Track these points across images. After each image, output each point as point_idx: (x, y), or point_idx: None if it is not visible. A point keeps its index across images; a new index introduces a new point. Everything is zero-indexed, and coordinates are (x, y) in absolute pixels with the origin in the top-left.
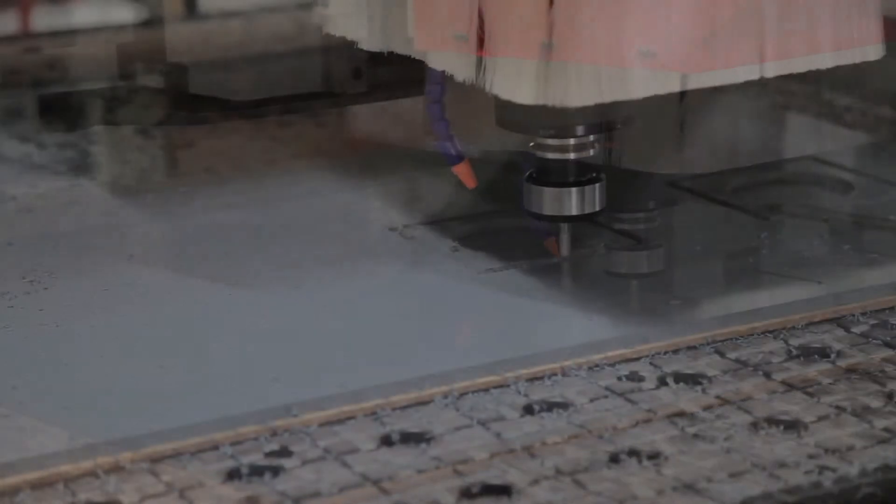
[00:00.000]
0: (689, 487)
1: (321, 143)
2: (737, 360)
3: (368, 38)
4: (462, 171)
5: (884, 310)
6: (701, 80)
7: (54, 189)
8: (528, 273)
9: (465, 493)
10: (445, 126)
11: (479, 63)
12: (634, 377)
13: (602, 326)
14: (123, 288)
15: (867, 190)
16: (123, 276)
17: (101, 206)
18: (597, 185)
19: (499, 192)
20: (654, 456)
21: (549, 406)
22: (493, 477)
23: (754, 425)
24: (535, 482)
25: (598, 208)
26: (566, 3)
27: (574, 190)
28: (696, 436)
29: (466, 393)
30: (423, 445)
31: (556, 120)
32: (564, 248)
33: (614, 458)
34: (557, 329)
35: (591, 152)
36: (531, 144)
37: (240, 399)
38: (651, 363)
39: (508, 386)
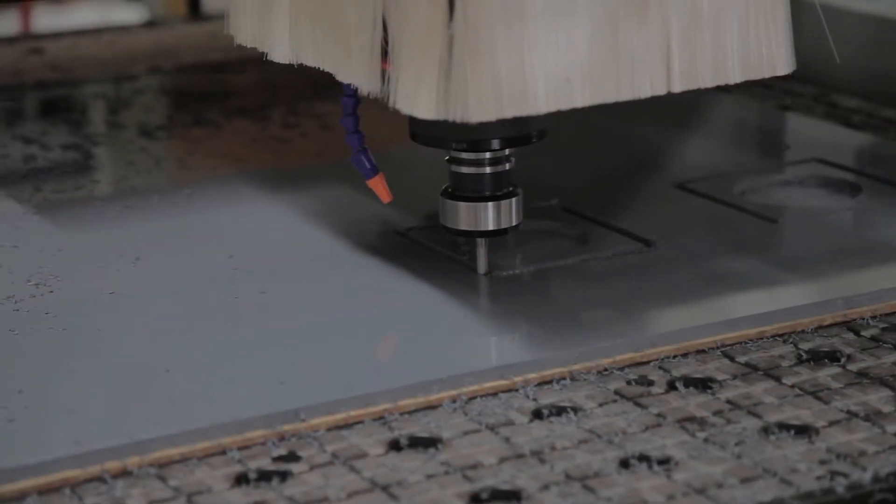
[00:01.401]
0: (701, 493)
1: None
2: (746, 364)
3: (278, 50)
4: (377, 184)
5: (894, 313)
6: (606, 96)
7: (59, 191)
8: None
9: (475, 498)
10: (360, 139)
11: (384, 76)
12: (644, 381)
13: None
14: (129, 291)
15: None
16: (129, 279)
17: (106, 208)
18: (513, 199)
19: None
20: (664, 461)
21: (559, 410)
22: (503, 482)
23: (765, 430)
24: (545, 487)
25: (514, 223)
26: (466, 16)
27: (490, 204)
28: (706, 440)
29: (475, 397)
30: (432, 450)
31: (468, 134)
32: (482, 264)
33: (624, 463)
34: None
35: (507, 166)
36: (446, 159)
37: (247, 403)
38: (660, 367)
39: (517, 390)
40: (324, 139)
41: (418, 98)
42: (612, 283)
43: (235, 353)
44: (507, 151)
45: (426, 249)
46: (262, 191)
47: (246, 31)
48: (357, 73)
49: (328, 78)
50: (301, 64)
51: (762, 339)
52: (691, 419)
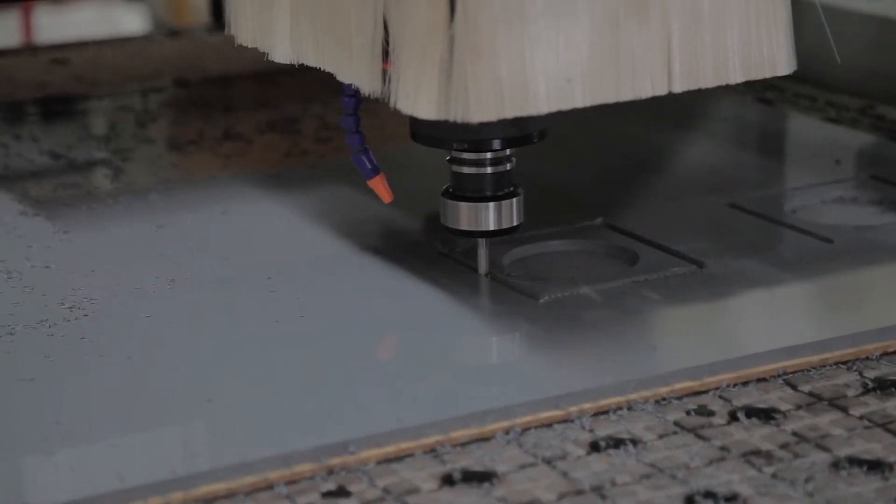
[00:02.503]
0: None
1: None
2: (810, 394)
3: (278, 50)
4: (377, 185)
5: None
6: (607, 96)
7: (90, 209)
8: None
9: None
10: (360, 139)
11: (385, 76)
12: (703, 411)
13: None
14: (166, 314)
15: None
16: (166, 302)
17: (139, 228)
18: (514, 199)
19: None
20: (731, 498)
21: (616, 442)
22: None
23: (835, 465)
24: None
25: (515, 223)
26: (467, 16)
27: (491, 205)
28: (774, 476)
29: (529, 428)
30: (487, 485)
31: (469, 134)
32: (483, 265)
33: (690, 500)
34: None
35: (508, 166)
36: (447, 159)
37: (294, 434)
38: (720, 396)
39: (572, 421)
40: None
41: (419, 98)
42: (665, 306)
43: (279, 381)
44: (507, 151)
45: (470, 272)
46: (296, 213)
47: (246, 32)
48: (358, 73)
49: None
50: (302, 64)
51: (825, 366)
52: (757, 453)
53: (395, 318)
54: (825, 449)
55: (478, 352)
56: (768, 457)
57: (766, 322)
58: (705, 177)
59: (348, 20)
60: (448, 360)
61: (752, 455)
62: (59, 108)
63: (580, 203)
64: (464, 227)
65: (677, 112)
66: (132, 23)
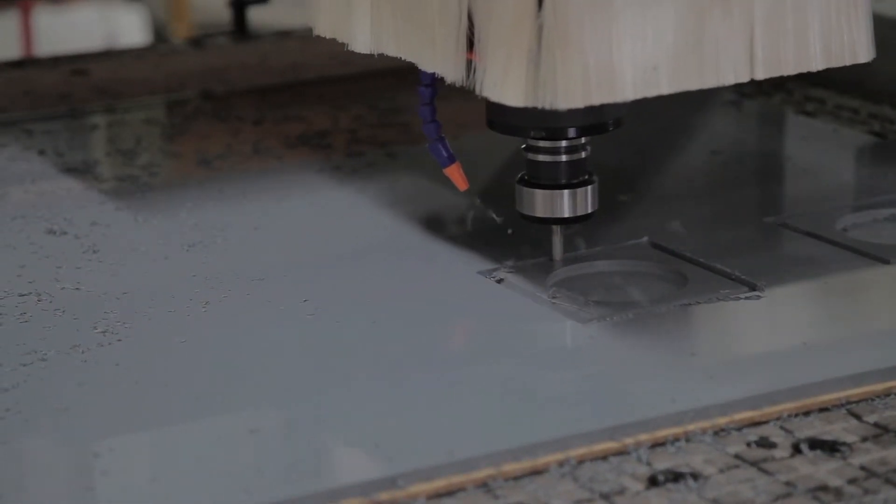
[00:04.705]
0: None
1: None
2: (876, 425)
3: (359, 41)
4: (453, 173)
5: None
6: (691, 83)
7: (118, 226)
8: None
9: None
10: (436, 128)
11: (469, 65)
12: (765, 443)
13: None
14: (202, 338)
15: None
16: (201, 325)
17: (170, 247)
18: (589, 187)
19: None
20: None
21: (675, 476)
22: None
23: None
24: None
25: (590, 210)
26: (556, 6)
27: (566, 192)
28: None
29: (584, 461)
30: None
31: (547, 122)
32: (557, 251)
33: None
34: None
35: (583, 154)
36: (522, 147)
37: (340, 468)
38: (781, 427)
39: (628, 453)
40: (393, 169)
41: (507, 86)
42: (718, 331)
43: (323, 410)
44: (583, 140)
45: (515, 294)
46: (333, 234)
47: (325, 23)
48: (442, 62)
49: (390, 102)
50: (382, 54)
51: (889, 395)
52: (824, 488)
53: (439, 345)
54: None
55: (527, 379)
56: (837, 493)
57: (827, 348)
58: (751, 194)
59: (431, 10)
60: (496, 389)
61: (820, 491)
62: (83, 122)
63: (624, 220)
64: (539, 214)
65: (719, 129)
66: (132, 24)
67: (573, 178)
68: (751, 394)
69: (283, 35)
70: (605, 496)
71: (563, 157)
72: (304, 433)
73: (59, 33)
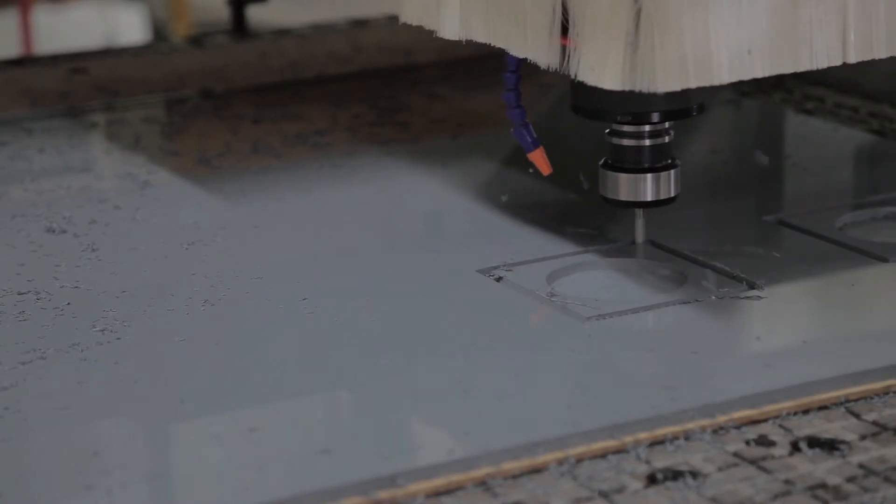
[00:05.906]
0: None
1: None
2: (875, 423)
3: (447, 27)
4: (538, 158)
5: None
6: (785, 67)
7: (117, 224)
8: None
9: None
10: (521, 114)
11: (564, 50)
12: (764, 441)
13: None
14: (202, 337)
15: None
16: (200, 324)
17: (169, 245)
18: (672, 171)
19: None
20: None
21: (675, 475)
22: None
23: None
24: None
25: (672, 194)
26: None
27: (650, 176)
28: None
29: (583, 460)
30: None
31: (633, 107)
32: (640, 234)
33: None
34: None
35: (667, 139)
36: (606, 131)
37: (339, 467)
38: (780, 425)
39: (627, 451)
40: (392, 168)
41: (605, 70)
42: (718, 328)
43: (323, 409)
44: (666, 124)
45: (517, 291)
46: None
47: (411, 10)
48: (534, 48)
49: (389, 100)
50: (470, 40)
51: (888, 394)
52: (823, 486)
53: (436, 342)
54: (895, 483)
55: (525, 377)
56: (836, 492)
57: (826, 346)
58: (749, 192)
59: None
60: (494, 388)
61: (819, 489)
62: (83, 120)
63: (624, 219)
64: (623, 197)
65: (717, 125)
66: (131, 22)
67: (657, 161)
68: (750, 392)
69: (283, 33)
70: (604, 494)
71: (647, 142)
72: (304, 432)
73: (59, 32)
